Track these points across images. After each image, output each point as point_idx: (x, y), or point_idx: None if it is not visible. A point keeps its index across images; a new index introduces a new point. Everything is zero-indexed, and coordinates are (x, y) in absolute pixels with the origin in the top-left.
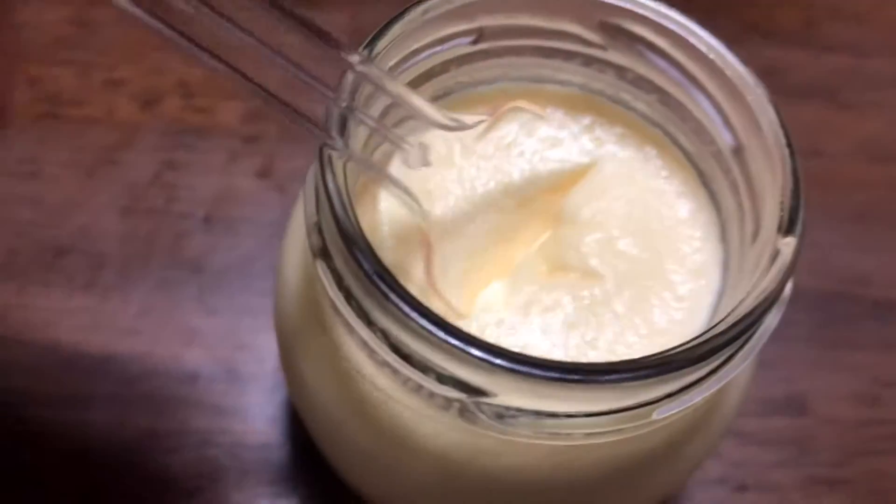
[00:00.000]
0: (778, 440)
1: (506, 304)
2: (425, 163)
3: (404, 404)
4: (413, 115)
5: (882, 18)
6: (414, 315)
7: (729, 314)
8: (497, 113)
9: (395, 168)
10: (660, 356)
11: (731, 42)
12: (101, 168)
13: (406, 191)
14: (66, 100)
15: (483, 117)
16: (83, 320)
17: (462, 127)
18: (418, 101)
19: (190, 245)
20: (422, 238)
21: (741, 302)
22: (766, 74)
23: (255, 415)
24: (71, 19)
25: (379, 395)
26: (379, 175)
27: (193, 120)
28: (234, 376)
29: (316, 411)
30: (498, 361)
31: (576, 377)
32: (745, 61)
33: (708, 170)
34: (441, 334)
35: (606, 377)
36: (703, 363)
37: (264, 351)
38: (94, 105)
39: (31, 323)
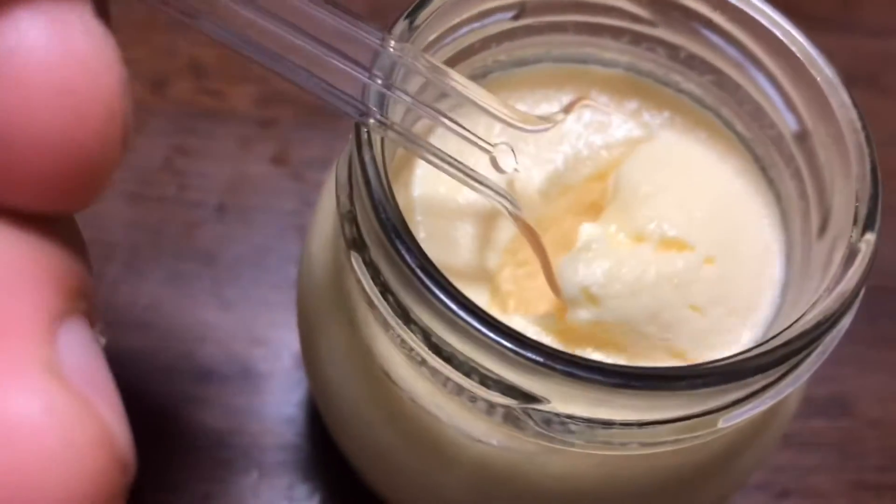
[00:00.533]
0: (820, 443)
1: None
2: (515, 165)
3: (440, 409)
4: (481, 111)
5: None
6: (462, 313)
7: (803, 315)
8: (568, 109)
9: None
10: (732, 361)
11: None
12: None
13: (499, 191)
14: None
15: (558, 113)
16: None
17: (542, 127)
18: (493, 104)
19: (202, 235)
20: (527, 236)
21: (815, 303)
22: None
23: (272, 415)
24: None
25: (411, 398)
26: (453, 168)
27: (205, 103)
28: (250, 374)
29: (341, 414)
30: (557, 366)
31: (641, 384)
32: None
33: (766, 156)
34: (493, 335)
35: (675, 384)
36: (777, 368)
37: (281, 347)
38: None
39: None
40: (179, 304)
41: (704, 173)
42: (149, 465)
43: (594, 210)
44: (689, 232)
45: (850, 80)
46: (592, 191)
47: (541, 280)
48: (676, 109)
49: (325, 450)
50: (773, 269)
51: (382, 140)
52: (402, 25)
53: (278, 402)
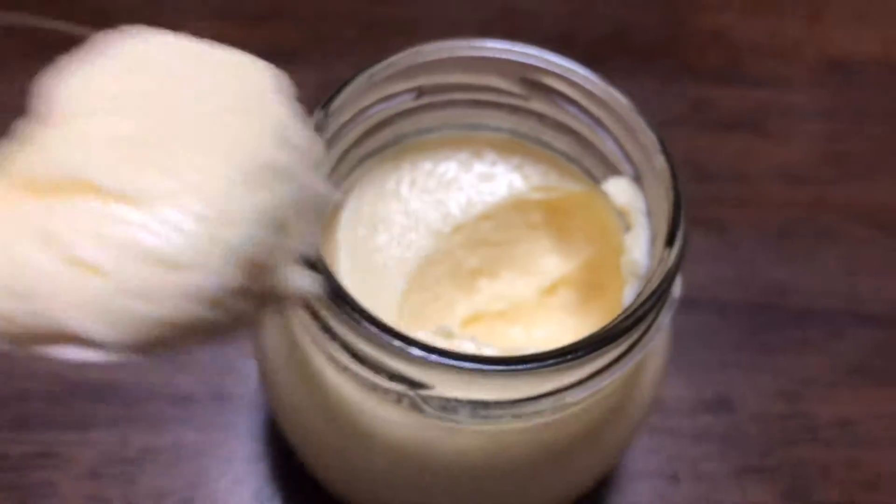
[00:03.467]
0: (710, 435)
1: None
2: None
3: (363, 402)
4: None
5: (800, 55)
6: (365, 324)
7: (622, 312)
8: None
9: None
10: (564, 348)
11: (665, 82)
12: None
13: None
14: None
15: None
16: None
17: None
18: None
19: None
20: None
21: (633, 302)
22: (698, 108)
23: (243, 430)
24: None
25: (342, 399)
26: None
27: None
28: (223, 397)
29: (291, 419)
30: (431, 357)
31: (493, 368)
32: (679, 97)
33: None
34: (387, 338)
35: (519, 366)
36: (601, 352)
37: (249, 373)
38: None
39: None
40: None
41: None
42: (143, 475)
43: (484, 244)
44: (99, 167)
45: (737, 125)
46: (481, 229)
47: (443, 300)
48: (551, 164)
49: (287, 457)
50: None
51: None
52: (318, 115)
53: (247, 421)
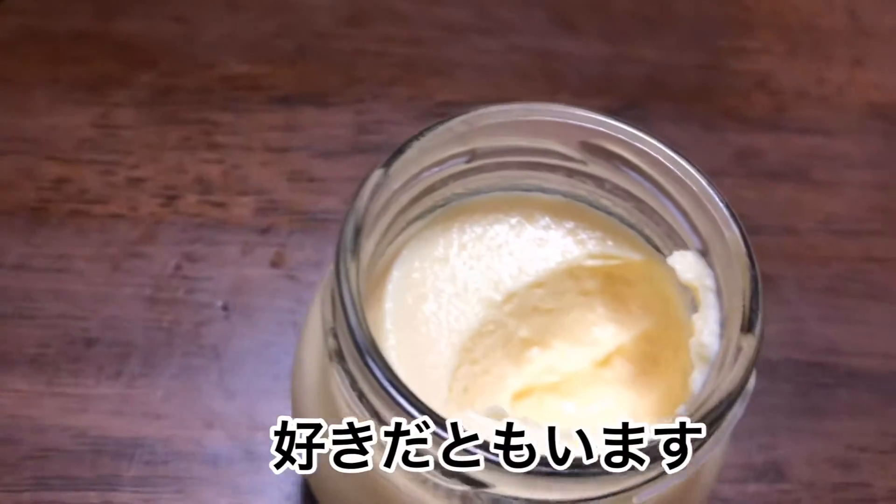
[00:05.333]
0: None
1: None
2: None
3: (411, 492)
4: None
5: (845, 101)
6: (424, 418)
7: (698, 408)
8: None
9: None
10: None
11: (708, 129)
12: (126, 261)
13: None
14: (92, 198)
15: None
16: (111, 406)
17: None
18: None
19: (210, 332)
20: None
21: (709, 396)
22: (742, 157)
23: (273, 493)
24: (95, 123)
25: (388, 484)
26: None
27: (210, 214)
28: (253, 456)
29: (329, 496)
30: (493, 458)
31: (561, 471)
32: (722, 145)
33: None
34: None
35: (588, 470)
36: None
37: None
38: (118, 202)
39: (63, 409)
40: (190, 395)
41: None
42: None
43: (535, 313)
44: None
45: (782, 175)
46: (532, 295)
47: (493, 373)
48: (607, 230)
49: None
50: None
51: (358, 273)
52: (378, 173)
53: (278, 482)
